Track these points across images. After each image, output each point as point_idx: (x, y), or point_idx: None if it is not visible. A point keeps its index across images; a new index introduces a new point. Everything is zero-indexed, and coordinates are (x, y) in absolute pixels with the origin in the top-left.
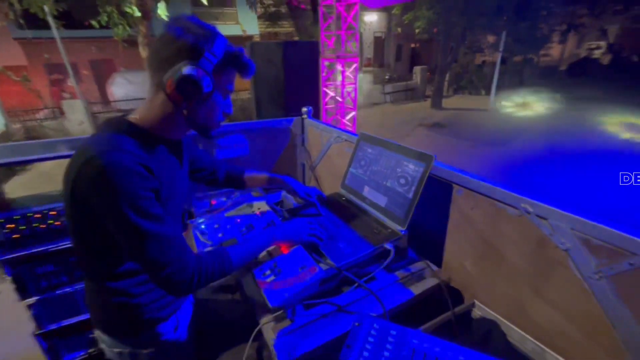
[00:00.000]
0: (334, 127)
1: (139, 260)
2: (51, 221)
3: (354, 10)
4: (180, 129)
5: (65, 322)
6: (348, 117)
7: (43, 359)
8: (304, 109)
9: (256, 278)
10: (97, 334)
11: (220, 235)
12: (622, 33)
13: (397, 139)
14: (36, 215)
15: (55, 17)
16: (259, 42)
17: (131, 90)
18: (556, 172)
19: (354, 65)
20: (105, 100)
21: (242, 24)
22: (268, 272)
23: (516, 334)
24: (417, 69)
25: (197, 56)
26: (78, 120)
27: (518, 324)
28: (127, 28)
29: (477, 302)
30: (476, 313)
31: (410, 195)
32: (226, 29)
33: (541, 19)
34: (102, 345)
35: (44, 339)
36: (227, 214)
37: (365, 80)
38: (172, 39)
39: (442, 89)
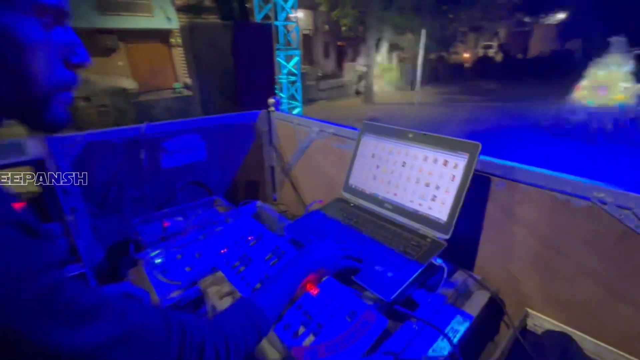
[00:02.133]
0: (315, 119)
1: None
2: None
3: None
4: None
5: None
6: (294, 112)
7: None
8: (271, 100)
9: (284, 342)
10: None
11: (188, 269)
12: (509, 35)
13: None
14: None
15: None
16: (201, 23)
17: None
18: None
19: (296, 59)
20: None
21: (165, 11)
22: (302, 330)
23: (592, 345)
24: (349, 66)
25: None
26: None
27: (591, 333)
28: None
29: (530, 311)
30: (531, 323)
31: (452, 193)
32: (139, 22)
33: (449, 20)
34: None
35: None
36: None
37: None
38: None
39: (373, 85)
